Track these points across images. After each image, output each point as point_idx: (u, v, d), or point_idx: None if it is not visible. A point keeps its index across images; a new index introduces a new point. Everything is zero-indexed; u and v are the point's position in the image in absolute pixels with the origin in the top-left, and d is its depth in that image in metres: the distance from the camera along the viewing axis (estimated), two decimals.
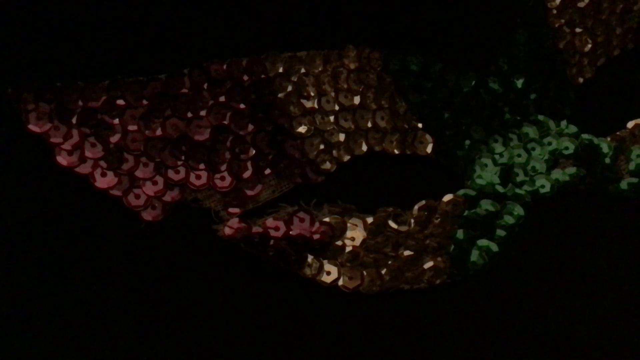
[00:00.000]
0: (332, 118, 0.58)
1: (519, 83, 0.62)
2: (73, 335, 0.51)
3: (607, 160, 0.61)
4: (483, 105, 0.61)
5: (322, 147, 0.58)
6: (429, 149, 0.60)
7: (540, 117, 0.62)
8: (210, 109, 0.56)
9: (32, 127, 0.53)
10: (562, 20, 0.64)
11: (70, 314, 0.51)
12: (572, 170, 0.60)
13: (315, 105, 0.58)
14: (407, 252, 0.56)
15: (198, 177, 0.55)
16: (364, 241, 0.55)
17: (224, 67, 0.56)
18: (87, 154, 0.54)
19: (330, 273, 0.54)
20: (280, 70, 0.57)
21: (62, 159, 0.53)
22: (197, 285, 0.53)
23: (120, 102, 0.54)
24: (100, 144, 0.54)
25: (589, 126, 0.62)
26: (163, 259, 0.53)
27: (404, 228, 0.56)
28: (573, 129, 0.62)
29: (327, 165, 0.58)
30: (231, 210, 0.55)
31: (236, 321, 0.52)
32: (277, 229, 0.53)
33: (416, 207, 0.57)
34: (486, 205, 0.58)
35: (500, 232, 0.57)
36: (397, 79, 0.60)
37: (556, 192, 0.60)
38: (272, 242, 0.53)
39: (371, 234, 0.55)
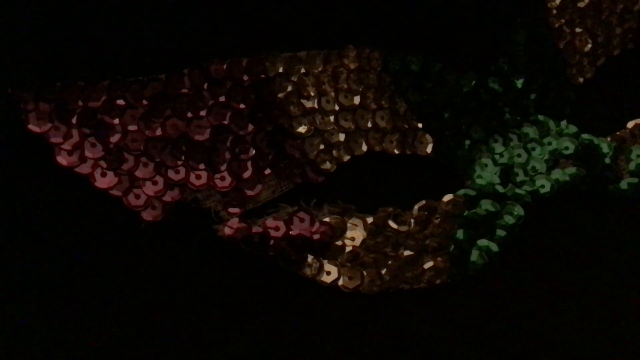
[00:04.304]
0: (332, 118, 0.58)
1: (519, 83, 0.62)
2: (73, 335, 0.51)
3: (607, 160, 0.61)
4: (483, 105, 0.61)
5: (322, 147, 0.58)
6: (429, 149, 0.60)
7: (540, 117, 0.62)
8: (210, 109, 0.56)
9: (32, 127, 0.53)
10: (562, 20, 0.64)
11: (70, 314, 0.51)
12: (572, 170, 0.60)
13: (315, 105, 0.58)
14: (407, 252, 0.56)
15: (198, 177, 0.55)
16: (364, 241, 0.55)
17: (224, 67, 0.56)
18: (87, 154, 0.54)
19: (330, 273, 0.54)
20: (280, 70, 0.57)
21: (62, 159, 0.53)
22: (197, 285, 0.53)
23: (120, 102, 0.54)
24: (100, 144, 0.54)
25: (589, 126, 0.62)
26: (163, 259, 0.53)
27: (404, 228, 0.56)
28: (573, 129, 0.62)
29: (327, 165, 0.58)
30: (231, 210, 0.55)
31: (236, 321, 0.52)
32: (277, 229, 0.53)
33: (416, 207, 0.57)
34: (486, 205, 0.58)
35: (500, 232, 0.57)
36: (397, 79, 0.60)
37: (556, 192, 0.60)
38: (272, 242, 0.53)
39: (371, 234, 0.55)
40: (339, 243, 0.55)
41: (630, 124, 0.63)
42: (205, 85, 0.56)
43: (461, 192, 0.58)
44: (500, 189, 0.59)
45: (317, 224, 0.54)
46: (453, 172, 0.60)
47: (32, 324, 0.51)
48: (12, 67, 0.55)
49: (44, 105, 0.53)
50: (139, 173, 0.54)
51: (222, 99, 0.56)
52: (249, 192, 0.56)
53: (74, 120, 0.54)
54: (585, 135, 0.61)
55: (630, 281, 0.58)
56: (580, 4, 0.65)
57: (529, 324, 0.55)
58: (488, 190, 0.59)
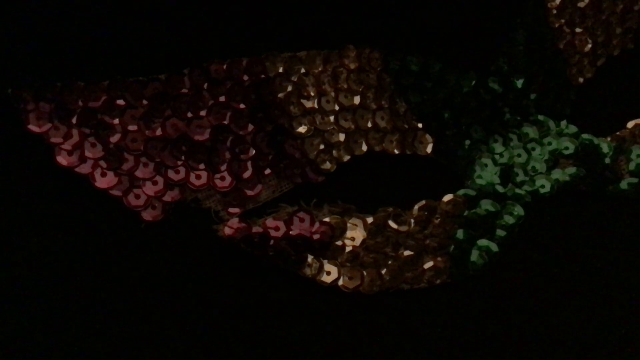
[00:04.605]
0: (332, 118, 0.58)
1: (519, 83, 0.62)
2: (73, 335, 0.51)
3: (607, 160, 0.61)
4: (483, 105, 0.61)
5: (322, 147, 0.58)
6: (429, 149, 0.60)
7: (540, 117, 0.62)
8: (210, 109, 0.56)
9: (32, 127, 0.53)
10: (562, 20, 0.64)
11: (70, 314, 0.51)
12: (572, 170, 0.60)
13: (315, 105, 0.58)
14: (407, 252, 0.56)
15: (198, 177, 0.55)
16: (364, 241, 0.55)
17: (224, 67, 0.56)
18: (87, 154, 0.54)
19: (330, 273, 0.54)
20: (280, 70, 0.57)
21: (62, 159, 0.53)
22: (197, 285, 0.53)
23: (120, 102, 0.54)
24: (100, 144, 0.54)
25: (589, 126, 0.62)
26: (163, 259, 0.53)
27: (404, 228, 0.56)
28: (573, 129, 0.62)
29: (327, 165, 0.58)
30: (231, 210, 0.55)
31: (236, 321, 0.52)
32: (277, 229, 0.53)
33: (416, 207, 0.57)
34: (486, 205, 0.58)
35: (500, 232, 0.57)
36: (397, 79, 0.60)
37: (556, 192, 0.60)
38: (272, 242, 0.53)
39: (371, 234, 0.55)
40: (339, 243, 0.55)
41: (630, 124, 0.63)
42: (205, 85, 0.56)
43: (461, 192, 0.58)
44: (500, 189, 0.59)
45: (317, 224, 0.54)
46: (453, 172, 0.60)
47: (32, 324, 0.51)
48: (12, 67, 0.55)
49: (44, 105, 0.53)
50: (139, 173, 0.54)
51: (222, 99, 0.56)
52: (249, 192, 0.56)
53: (74, 120, 0.54)
54: (585, 135, 0.61)
55: (630, 281, 0.58)
56: (580, 4, 0.65)
57: (529, 324, 0.55)
58: (488, 190, 0.59)
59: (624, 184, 0.61)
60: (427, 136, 0.60)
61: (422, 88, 0.60)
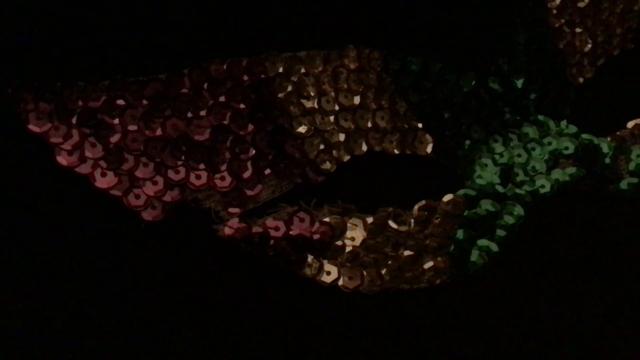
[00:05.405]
0: (332, 118, 0.58)
1: (519, 83, 0.62)
2: (73, 335, 0.51)
3: (607, 160, 0.61)
4: (483, 105, 0.61)
5: (322, 147, 0.58)
6: (429, 149, 0.60)
7: (540, 117, 0.62)
8: (210, 109, 0.56)
9: (32, 127, 0.53)
10: (562, 20, 0.64)
11: (70, 314, 0.51)
12: (572, 170, 0.60)
13: (315, 105, 0.58)
14: (407, 252, 0.56)
15: (198, 177, 0.55)
16: (364, 241, 0.55)
17: (224, 67, 0.56)
18: (87, 154, 0.54)
19: (330, 273, 0.54)
20: (280, 70, 0.57)
21: (62, 159, 0.53)
22: (197, 285, 0.53)
23: (120, 102, 0.54)
24: (100, 144, 0.54)
25: (589, 126, 0.62)
26: (163, 259, 0.53)
27: (404, 228, 0.56)
28: (573, 129, 0.62)
29: (327, 165, 0.58)
30: (231, 210, 0.55)
31: (236, 321, 0.52)
32: (277, 229, 0.53)
33: (416, 207, 0.57)
34: (486, 205, 0.58)
35: (500, 232, 0.57)
36: (397, 79, 0.60)
37: (556, 192, 0.60)
38: (272, 242, 0.53)
39: (371, 234, 0.55)
40: (339, 243, 0.55)
41: (630, 124, 0.63)
42: (205, 85, 0.56)
43: (461, 192, 0.58)
44: (500, 189, 0.59)
45: (317, 224, 0.54)
46: (453, 172, 0.60)
47: (32, 324, 0.51)
48: (12, 67, 0.55)
49: (44, 105, 0.53)
50: (139, 173, 0.54)
51: (222, 99, 0.56)
52: (249, 192, 0.56)
53: (74, 120, 0.54)
54: (585, 135, 0.61)
55: (630, 281, 0.58)
56: (580, 4, 0.65)
57: (529, 323, 0.55)
58: (488, 190, 0.59)
59: (624, 184, 0.61)
60: (427, 136, 0.60)
61: (422, 88, 0.60)
